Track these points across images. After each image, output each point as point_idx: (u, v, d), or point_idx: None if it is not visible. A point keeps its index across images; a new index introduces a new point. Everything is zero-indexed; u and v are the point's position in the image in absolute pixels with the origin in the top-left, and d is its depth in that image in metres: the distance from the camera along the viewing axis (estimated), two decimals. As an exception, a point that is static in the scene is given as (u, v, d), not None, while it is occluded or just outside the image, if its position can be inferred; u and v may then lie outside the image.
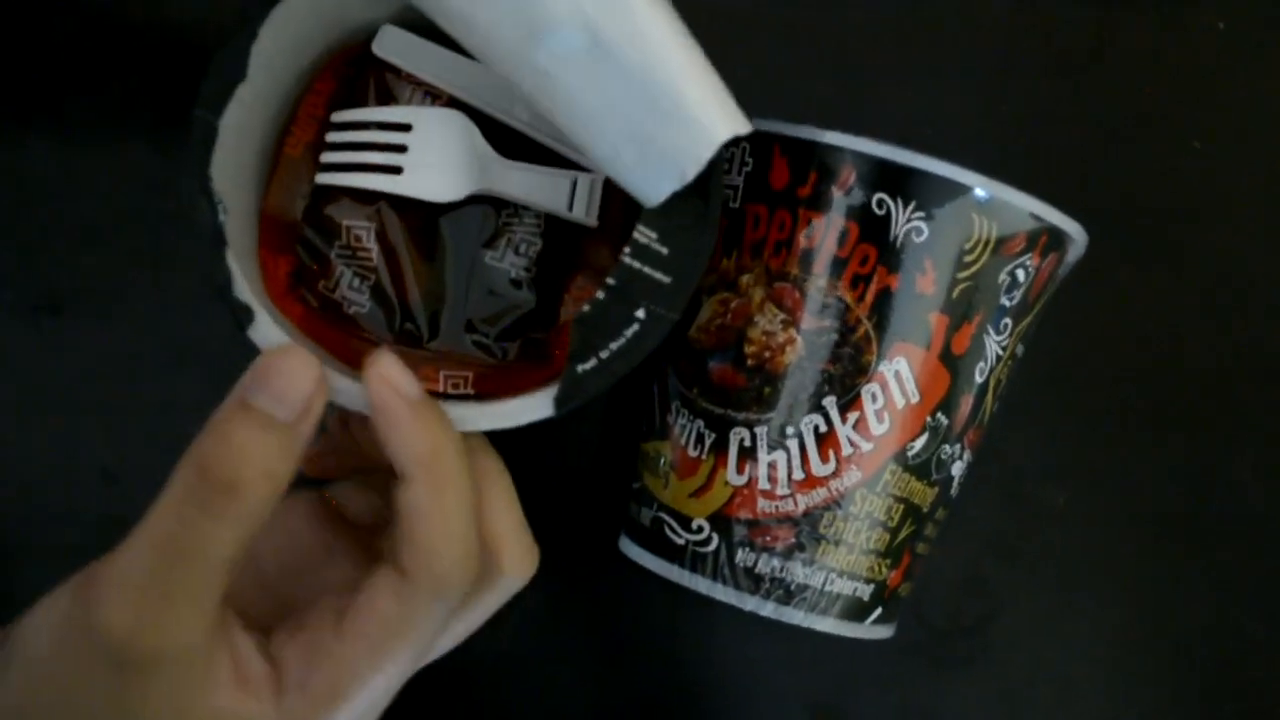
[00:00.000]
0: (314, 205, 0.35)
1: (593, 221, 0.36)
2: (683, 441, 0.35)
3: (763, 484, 0.33)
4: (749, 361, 0.34)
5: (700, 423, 0.35)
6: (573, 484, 0.42)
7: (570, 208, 0.35)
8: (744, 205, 0.35)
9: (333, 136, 0.35)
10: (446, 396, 0.35)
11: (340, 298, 0.35)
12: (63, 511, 0.41)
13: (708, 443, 0.34)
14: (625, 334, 0.31)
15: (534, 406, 0.31)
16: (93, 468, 0.41)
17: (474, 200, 0.35)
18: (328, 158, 0.35)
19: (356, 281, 0.35)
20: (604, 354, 0.31)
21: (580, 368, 0.31)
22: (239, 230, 0.32)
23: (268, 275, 0.34)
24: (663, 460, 0.36)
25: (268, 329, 0.31)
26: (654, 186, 0.30)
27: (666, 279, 0.31)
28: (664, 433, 0.36)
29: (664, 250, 0.31)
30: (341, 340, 0.35)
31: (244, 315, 0.31)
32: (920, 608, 0.43)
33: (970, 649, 0.43)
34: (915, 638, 0.43)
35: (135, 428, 0.41)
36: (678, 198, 0.30)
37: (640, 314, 0.31)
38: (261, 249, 0.34)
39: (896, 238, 0.33)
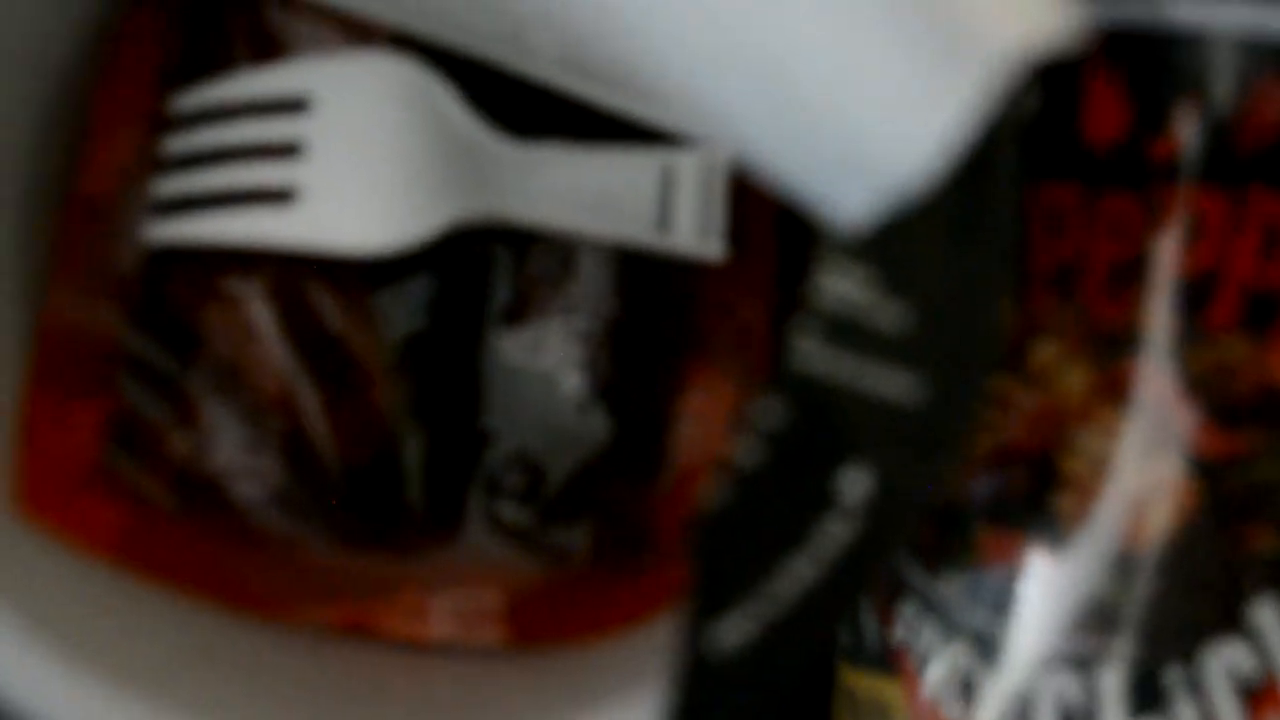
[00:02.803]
0: (150, 288, 0.20)
1: (716, 250, 0.22)
2: (928, 684, 0.21)
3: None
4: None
5: (963, 647, 0.20)
6: None
7: (664, 223, 0.22)
8: (1027, 188, 0.21)
9: (173, 145, 0.20)
10: (453, 653, 0.21)
11: (215, 471, 0.19)
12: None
13: (985, 693, 0.20)
14: (814, 543, 0.16)
15: None
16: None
17: (465, 238, 0.21)
18: (166, 188, 0.20)
19: (245, 432, 0.19)
20: (763, 602, 0.16)
21: (711, 643, 0.15)
22: None
23: (34, 451, 0.18)
24: (888, 714, 0.21)
25: None
26: (834, 193, 0.16)
27: (911, 393, 0.16)
28: (885, 660, 0.22)
29: (893, 317, 0.15)
30: (220, 567, 0.19)
31: None
32: None
33: None
34: None
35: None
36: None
37: (851, 487, 0.15)
38: (34, 392, 0.19)
39: None
